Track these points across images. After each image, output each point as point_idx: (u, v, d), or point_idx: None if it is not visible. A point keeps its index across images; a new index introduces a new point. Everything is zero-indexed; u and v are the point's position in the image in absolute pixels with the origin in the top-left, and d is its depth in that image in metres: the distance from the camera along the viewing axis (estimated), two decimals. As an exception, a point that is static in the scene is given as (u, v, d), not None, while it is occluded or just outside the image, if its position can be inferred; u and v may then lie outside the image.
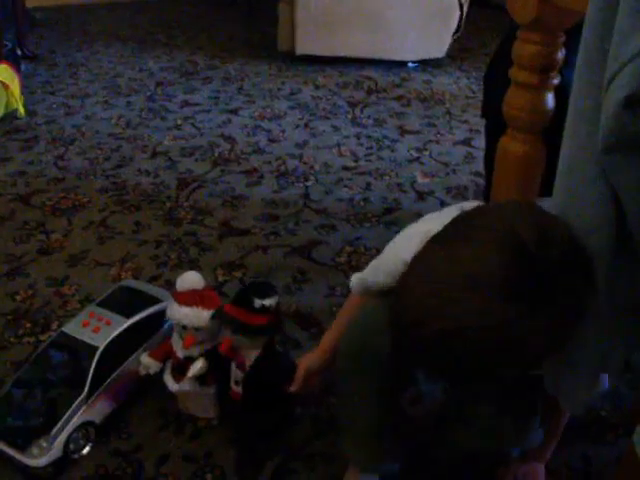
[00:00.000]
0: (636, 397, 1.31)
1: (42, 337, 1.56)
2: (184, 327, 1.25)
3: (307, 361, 1.22)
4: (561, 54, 1.17)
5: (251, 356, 1.23)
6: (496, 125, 1.37)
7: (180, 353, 1.28)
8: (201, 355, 1.27)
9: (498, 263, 0.67)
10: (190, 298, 1.25)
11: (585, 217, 0.75)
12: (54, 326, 1.59)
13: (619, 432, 1.30)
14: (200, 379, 1.28)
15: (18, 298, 1.72)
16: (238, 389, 1.26)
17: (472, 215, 0.75)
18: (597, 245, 0.75)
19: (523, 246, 0.67)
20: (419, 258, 0.74)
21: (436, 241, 0.74)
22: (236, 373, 1.25)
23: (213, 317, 1.23)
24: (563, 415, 1.07)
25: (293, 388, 1.20)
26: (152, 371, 1.32)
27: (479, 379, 0.81)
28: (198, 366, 1.25)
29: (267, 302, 1.17)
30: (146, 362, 1.32)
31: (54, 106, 3.13)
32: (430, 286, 0.71)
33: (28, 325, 1.62)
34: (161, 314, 1.36)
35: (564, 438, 1.21)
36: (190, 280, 1.28)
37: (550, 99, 1.21)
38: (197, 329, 1.25)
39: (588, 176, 0.73)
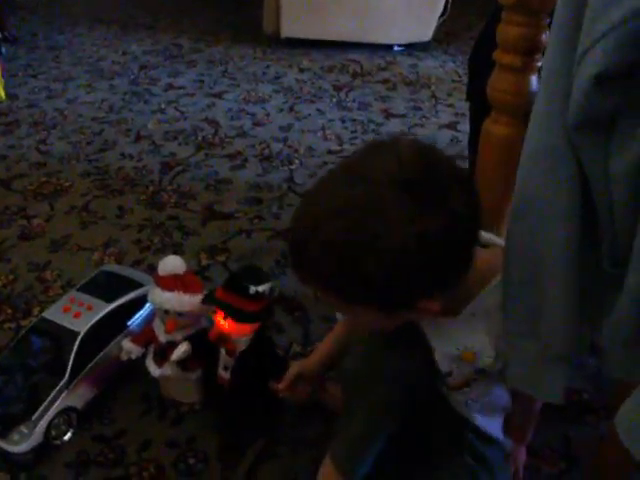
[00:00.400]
0: (619, 380, 1.32)
1: (23, 322, 1.54)
2: (166, 312, 1.24)
3: (300, 365, 1.21)
4: (545, 36, 1.16)
5: (241, 342, 1.22)
6: (480, 108, 1.36)
7: (162, 338, 1.27)
8: (184, 339, 1.26)
9: (378, 163, 0.75)
10: (172, 282, 1.24)
11: (552, 203, 0.74)
12: (35, 312, 1.58)
13: (600, 415, 1.31)
14: (182, 364, 1.27)
15: (-1, 283, 1.71)
16: (226, 375, 1.25)
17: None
18: (565, 231, 0.74)
19: (398, 153, 0.74)
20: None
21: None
22: (225, 359, 1.24)
23: (203, 302, 1.22)
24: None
25: (281, 386, 1.19)
26: (134, 356, 1.31)
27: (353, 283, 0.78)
28: (182, 350, 1.24)
29: (262, 288, 1.16)
30: (128, 347, 1.30)
31: (36, 89, 3.09)
32: (317, 183, 0.79)
33: (9, 311, 1.60)
34: (143, 298, 1.36)
35: (545, 420, 1.22)
36: (172, 264, 1.27)
37: (534, 82, 1.20)
38: (180, 314, 1.24)
39: (558, 157, 0.72)
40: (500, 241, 0.91)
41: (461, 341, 0.91)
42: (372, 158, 0.76)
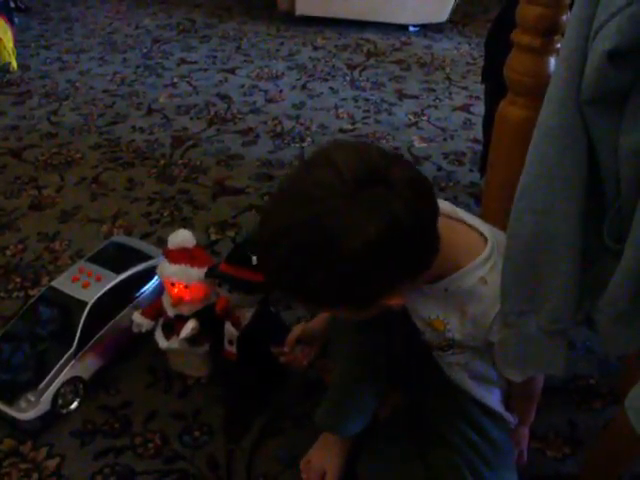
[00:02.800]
0: (626, 366, 1.31)
1: (32, 292, 1.55)
2: (173, 284, 1.24)
3: (303, 327, 1.22)
4: (566, 17, 1.14)
5: (246, 314, 1.23)
6: (496, 90, 1.35)
7: (170, 312, 1.28)
8: (192, 316, 1.26)
9: (314, 175, 0.77)
10: (180, 256, 1.24)
11: (564, 180, 0.74)
12: (44, 281, 1.58)
13: (606, 400, 1.30)
14: (191, 338, 1.27)
15: (8, 253, 1.71)
16: (232, 349, 1.25)
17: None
18: (574, 207, 0.74)
19: (333, 160, 0.76)
20: None
21: None
22: (230, 332, 1.25)
23: (207, 276, 1.22)
24: (537, 379, 1.07)
25: (286, 348, 1.19)
26: (144, 329, 1.32)
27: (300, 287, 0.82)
28: (190, 327, 1.25)
29: None
30: (138, 320, 1.31)
31: (48, 61, 3.08)
32: (268, 202, 0.86)
33: (18, 280, 1.61)
34: (152, 271, 1.36)
35: (551, 404, 1.22)
36: (181, 238, 1.27)
37: (552, 63, 1.18)
38: (187, 287, 1.24)
39: (572, 136, 0.72)
40: (483, 225, 0.94)
41: (433, 310, 0.95)
42: (311, 174, 0.78)
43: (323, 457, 1.14)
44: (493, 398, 1.07)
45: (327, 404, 1.13)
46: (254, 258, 1.14)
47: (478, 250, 0.90)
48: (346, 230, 0.73)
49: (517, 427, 1.15)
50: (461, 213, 0.96)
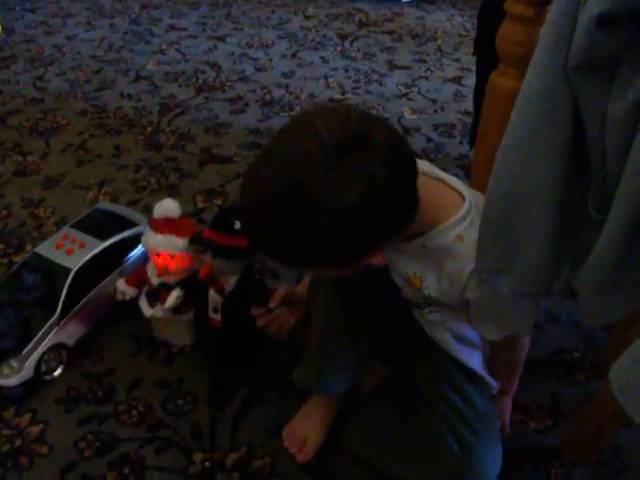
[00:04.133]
0: (611, 340, 1.32)
1: (16, 259, 1.53)
2: (158, 254, 1.23)
3: (287, 289, 1.21)
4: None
5: (230, 281, 1.22)
6: (487, 62, 1.33)
7: (155, 280, 1.27)
8: (177, 284, 1.25)
9: (295, 141, 0.77)
10: (165, 226, 1.23)
11: (546, 143, 0.73)
12: (28, 248, 1.57)
13: (590, 374, 1.31)
14: (175, 306, 1.26)
15: (-8, 219, 1.69)
16: (217, 316, 1.25)
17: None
18: (555, 172, 0.74)
19: (314, 126, 0.75)
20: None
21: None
22: (215, 299, 1.24)
23: (191, 242, 1.21)
24: (520, 347, 1.08)
25: (272, 304, 1.18)
26: (128, 297, 1.31)
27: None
28: (174, 296, 1.24)
29: None
30: (122, 288, 1.30)
31: (33, 24, 3.03)
32: (249, 167, 0.83)
33: (1, 246, 1.59)
34: (137, 238, 1.34)
35: (535, 376, 1.23)
36: (166, 207, 1.26)
37: (545, 33, 1.17)
38: (171, 257, 1.23)
39: (557, 100, 0.71)
40: (461, 185, 0.96)
41: (411, 267, 0.97)
42: (293, 140, 0.78)
43: (305, 425, 1.15)
44: (475, 361, 1.08)
45: (305, 361, 1.14)
46: (237, 223, 1.13)
47: (456, 208, 0.91)
48: (328, 195, 0.73)
49: (500, 398, 1.16)
50: (440, 172, 0.97)
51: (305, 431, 1.15)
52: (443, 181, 0.95)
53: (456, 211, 0.91)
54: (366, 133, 0.76)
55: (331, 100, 2.37)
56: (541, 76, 0.71)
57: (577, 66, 0.67)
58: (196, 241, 1.20)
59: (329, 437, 1.16)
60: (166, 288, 1.25)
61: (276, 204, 0.75)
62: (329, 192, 0.73)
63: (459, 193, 0.94)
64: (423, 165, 0.92)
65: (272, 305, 1.17)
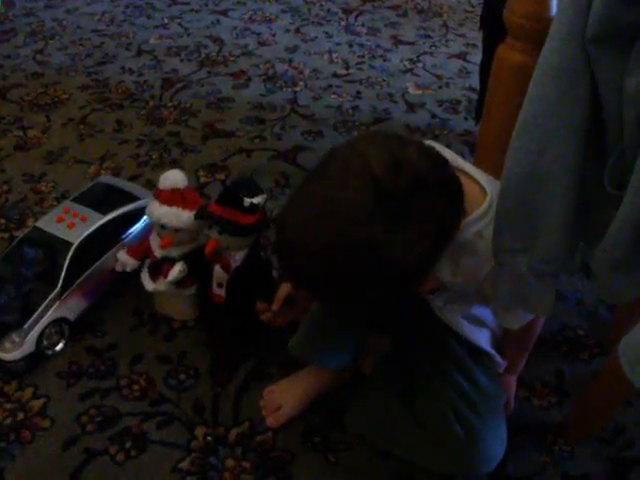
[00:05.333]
0: (616, 318, 1.31)
1: (16, 233, 1.52)
2: (163, 226, 1.22)
3: (290, 286, 1.20)
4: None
5: (236, 257, 1.21)
6: (494, 36, 1.31)
7: (158, 253, 1.26)
8: (180, 258, 1.24)
9: (352, 190, 0.73)
10: (171, 197, 1.21)
11: (565, 119, 0.72)
12: (29, 222, 1.56)
13: (594, 352, 1.30)
14: (178, 281, 1.25)
15: (-7, 193, 1.68)
16: (220, 292, 1.24)
17: (331, 153, 0.80)
18: (573, 148, 0.73)
19: (373, 173, 0.72)
20: (292, 195, 0.82)
21: (306, 179, 0.81)
22: (219, 275, 1.23)
23: (196, 218, 1.19)
24: (534, 328, 1.07)
25: (274, 307, 1.18)
26: (129, 268, 1.30)
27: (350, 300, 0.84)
28: (177, 270, 1.23)
29: (256, 200, 1.13)
30: (123, 259, 1.29)
31: (34, -3, 2.99)
32: (296, 218, 0.78)
33: (2, 221, 1.58)
34: (139, 212, 1.33)
35: (539, 354, 1.22)
36: (172, 178, 1.24)
37: (554, 6, 1.14)
38: (177, 230, 1.22)
39: (575, 75, 0.69)
40: (483, 177, 0.93)
41: None
42: (347, 190, 0.73)
43: (285, 392, 1.16)
44: (483, 339, 1.07)
45: (300, 329, 1.16)
46: (246, 200, 1.11)
47: (477, 204, 0.89)
48: (397, 254, 0.73)
49: (506, 376, 1.15)
50: (462, 162, 0.94)
51: (283, 398, 1.15)
52: (465, 172, 0.92)
53: (477, 207, 0.89)
54: (426, 174, 0.74)
55: (335, 75, 2.35)
56: (560, 50, 0.70)
57: (595, 37, 0.66)
58: (204, 216, 1.18)
59: (314, 411, 1.16)
60: (169, 261, 1.24)
61: (341, 265, 0.74)
62: (400, 250, 0.73)
63: (481, 187, 0.91)
64: (446, 154, 0.89)
65: (275, 307, 1.17)
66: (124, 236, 1.34)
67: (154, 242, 1.26)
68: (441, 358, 1.07)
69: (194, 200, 1.24)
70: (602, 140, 0.74)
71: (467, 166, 0.93)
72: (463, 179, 0.91)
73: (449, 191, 0.76)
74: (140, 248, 1.29)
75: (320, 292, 0.84)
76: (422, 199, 0.73)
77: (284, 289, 1.18)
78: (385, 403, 1.10)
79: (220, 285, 1.23)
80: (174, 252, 1.25)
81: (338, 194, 0.74)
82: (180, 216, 1.20)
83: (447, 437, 1.00)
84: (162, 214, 1.21)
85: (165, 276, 1.23)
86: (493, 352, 1.08)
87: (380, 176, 0.72)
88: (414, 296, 1.02)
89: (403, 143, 0.77)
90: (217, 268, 1.22)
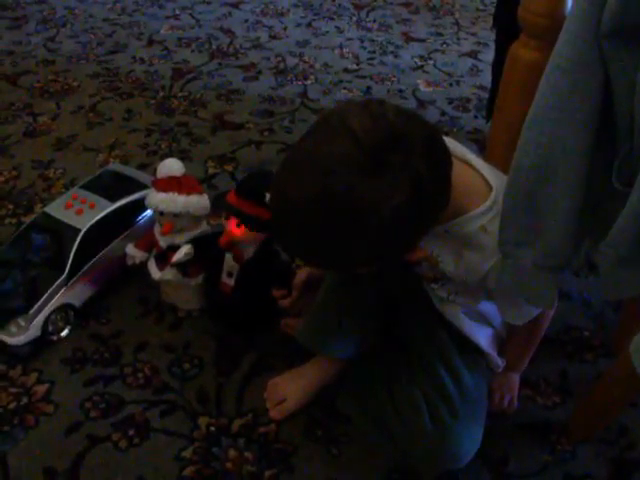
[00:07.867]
0: (622, 320, 1.31)
1: (24, 219, 1.53)
2: (161, 213, 1.22)
3: (308, 272, 1.20)
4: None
5: (249, 249, 1.21)
6: (507, 34, 1.31)
7: (162, 242, 1.26)
8: (187, 242, 1.24)
9: (331, 144, 0.75)
10: (167, 184, 1.22)
11: (576, 113, 0.72)
12: (37, 208, 1.56)
13: (599, 352, 1.30)
14: (183, 269, 1.25)
15: (1, 179, 1.68)
16: (230, 281, 1.24)
17: (319, 117, 0.85)
18: (583, 142, 0.73)
19: (351, 127, 0.74)
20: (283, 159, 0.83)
21: (296, 142, 0.83)
22: (230, 264, 1.23)
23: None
24: (538, 326, 1.07)
25: (294, 293, 1.18)
26: (138, 261, 1.30)
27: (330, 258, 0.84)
28: (183, 251, 1.22)
29: None
30: (131, 252, 1.29)
31: (46, -15, 2.99)
32: (282, 175, 0.81)
33: (10, 206, 1.59)
34: (147, 200, 1.33)
35: (544, 354, 1.22)
36: (168, 167, 1.25)
37: (569, 3, 1.14)
38: (175, 215, 1.22)
39: (589, 69, 0.69)
40: (489, 171, 0.92)
41: (429, 246, 0.94)
42: (328, 143, 0.76)
43: (289, 385, 1.16)
44: (483, 337, 1.07)
45: (306, 318, 1.16)
46: (267, 195, 1.11)
47: (482, 197, 0.89)
48: (375, 201, 0.73)
49: (509, 374, 1.15)
50: (469, 156, 0.94)
51: (286, 390, 1.15)
52: (471, 165, 0.93)
53: (482, 201, 0.89)
54: (403, 130, 0.75)
55: (345, 70, 2.35)
56: (573, 44, 0.70)
57: (608, 33, 0.65)
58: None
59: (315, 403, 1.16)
60: (174, 250, 1.23)
61: (322, 215, 0.75)
62: (376, 198, 0.73)
63: (486, 180, 0.91)
64: (454, 146, 0.90)
65: (295, 294, 1.18)
66: (132, 223, 1.34)
67: (157, 232, 1.26)
68: (428, 348, 1.07)
69: (190, 185, 1.24)
70: (612, 136, 0.74)
71: (475, 160, 0.93)
72: (469, 173, 0.92)
73: (427, 150, 0.75)
74: (147, 240, 1.29)
75: (309, 253, 0.84)
76: (397, 153, 0.73)
77: (302, 275, 1.18)
78: (371, 387, 1.11)
79: (230, 274, 1.23)
80: (178, 240, 1.25)
81: (318, 148, 0.76)
82: (176, 201, 1.20)
83: (416, 427, 1.01)
84: (158, 201, 1.21)
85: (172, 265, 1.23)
86: (491, 352, 1.08)
87: (357, 130, 0.73)
88: (407, 273, 1.03)
89: (383, 103, 0.78)
90: (228, 257, 1.22)
